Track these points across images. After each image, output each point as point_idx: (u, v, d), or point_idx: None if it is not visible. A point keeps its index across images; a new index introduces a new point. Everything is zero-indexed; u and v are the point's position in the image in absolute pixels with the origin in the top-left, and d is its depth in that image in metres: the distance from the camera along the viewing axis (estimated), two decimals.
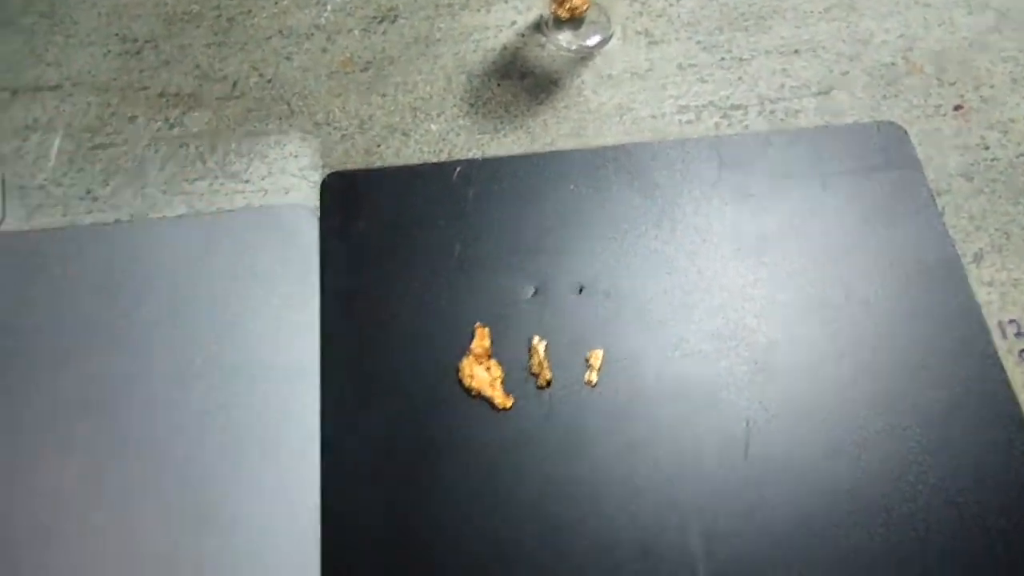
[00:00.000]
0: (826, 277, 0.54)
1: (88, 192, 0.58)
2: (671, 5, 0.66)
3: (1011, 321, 0.52)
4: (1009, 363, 0.51)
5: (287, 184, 0.59)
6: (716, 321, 0.53)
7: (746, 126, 0.60)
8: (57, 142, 0.60)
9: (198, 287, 0.55)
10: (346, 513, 0.48)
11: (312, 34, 0.65)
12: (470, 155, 0.60)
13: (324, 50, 0.64)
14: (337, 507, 0.48)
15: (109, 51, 0.64)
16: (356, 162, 0.60)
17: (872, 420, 0.49)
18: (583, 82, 0.63)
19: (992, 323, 0.52)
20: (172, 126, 0.61)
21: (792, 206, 0.57)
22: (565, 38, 0.64)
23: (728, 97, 0.62)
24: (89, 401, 0.51)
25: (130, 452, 0.50)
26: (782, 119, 0.61)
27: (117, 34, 0.65)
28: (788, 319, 0.53)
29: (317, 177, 0.59)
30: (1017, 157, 0.58)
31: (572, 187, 0.58)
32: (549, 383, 0.51)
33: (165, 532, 0.48)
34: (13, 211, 0.58)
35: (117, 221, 0.57)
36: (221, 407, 0.51)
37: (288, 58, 0.64)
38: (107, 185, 0.58)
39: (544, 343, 0.52)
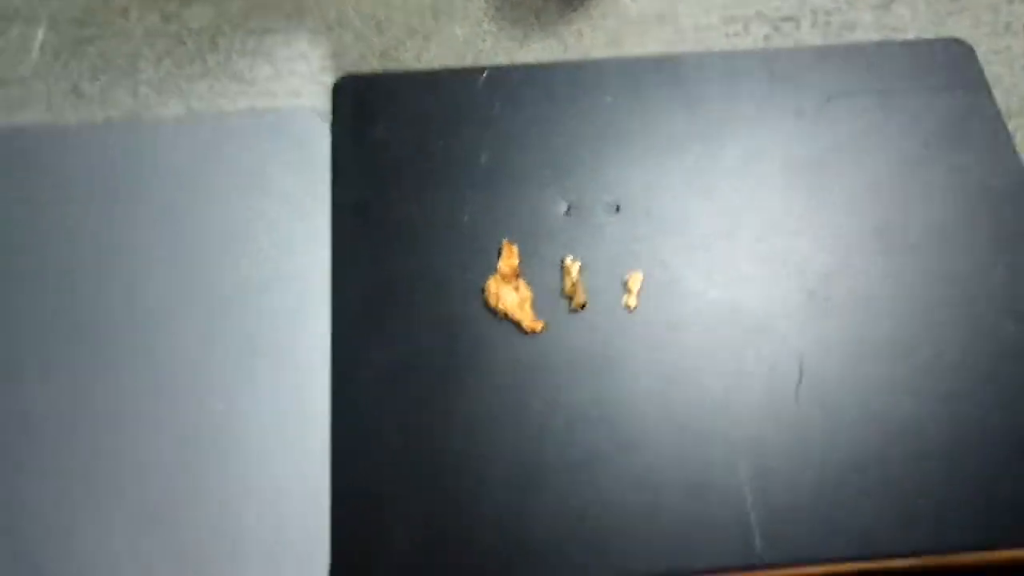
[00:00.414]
0: (886, 202, 0.50)
1: (74, 88, 0.53)
2: None
3: None
4: None
5: (295, 87, 0.53)
6: (766, 246, 0.48)
7: (798, 40, 0.55)
8: (41, 34, 0.54)
9: (198, 194, 0.49)
10: (358, 439, 0.43)
11: None
12: (497, 62, 0.54)
13: None
14: (348, 433, 0.44)
15: None
16: (371, 66, 0.54)
17: (937, 356, 0.45)
18: None
19: None
20: (169, 20, 0.55)
21: (848, 126, 0.52)
22: None
23: (778, 8, 0.56)
24: (75, 319, 0.46)
25: (122, 373, 0.45)
26: (837, 33, 0.56)
27: None
28: (845, 246, 0.48)
29: (329, 80, 0.54)
30: None
31: (609, 99, 0.53)
32: (583, 306, 0.47)
33: (161, 458, 0.43)
34: None
35: (107, 120, 0.52)
36: (222, 326, 0.46)
37: None
38: (96, 81, 0.53)
39: (578, 264, 0.48)
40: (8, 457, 0.43)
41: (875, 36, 0.55)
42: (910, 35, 0.55)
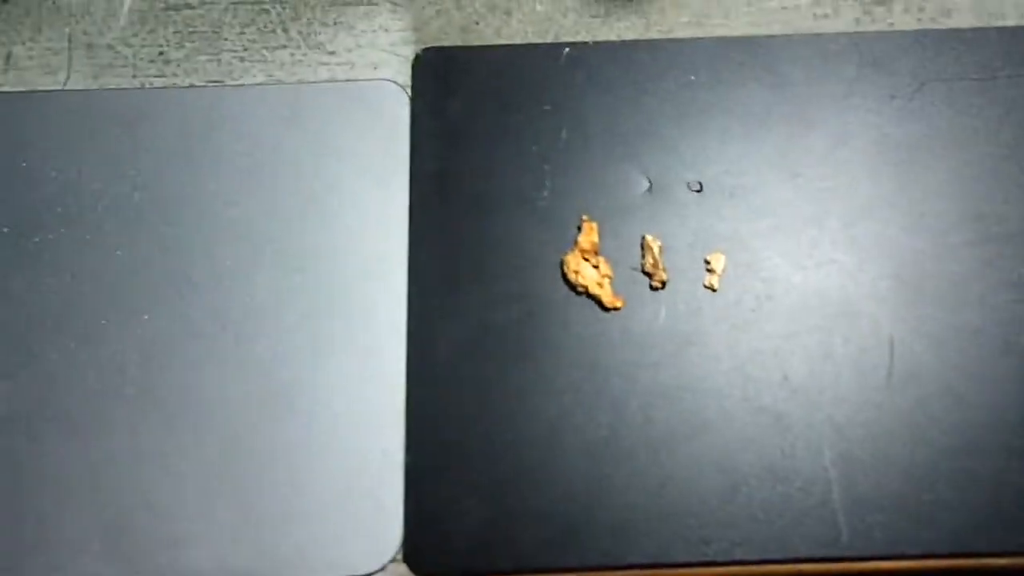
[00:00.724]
0: (982, 190, 0.48)
1: (160, 54, 0.53)
2: None
3: None
4: None
5: (376, 59, 0.53)
6: (855, 230, 0.47)
7: (890, 23, 0.54)
8: (128, 1, 0.55)
9: (277, 161, 0.49)
10: (433, 412, 0.43)
11: None
12: (578, 39, 0.54)
13: None
14: (424, 405, 0.43)
15: None
16: (452, 39, 0.54)
17: None
18: None
19: None
20: None
21: (942, 112, 0.50)
22: None
23: None
24: (153, 277, 0.46)
25: (197, 332, 0.45)
26: (932, 18, 0.54)
27: None
28: (938, 232, 0.46)
29: (409, 53, 0.53)
30: None
31: (692, 77, 0.52)
32: (664, 284, 0.45)
33: (235, 422, 0.43)
34: (79, 69, 0.53)
35: (191, 86, 0.52)
36: (298, 292, 0.46)
37: None
38: (181, 48, 0.53)
39: (659, 242, 0.46)
40: (88, 413, 0.43)
41: (973, 22, 0.53)
42: (1009, 22, 0.53)
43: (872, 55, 0.52)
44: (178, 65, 0.53)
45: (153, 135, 0.50)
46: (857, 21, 0.54)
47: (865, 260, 0.46)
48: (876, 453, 0.41)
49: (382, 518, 0.41)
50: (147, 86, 0.52)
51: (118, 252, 0.47)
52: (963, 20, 0.53)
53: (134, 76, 0.52)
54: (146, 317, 0.45)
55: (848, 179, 0.48)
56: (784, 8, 0.54)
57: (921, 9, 0.54)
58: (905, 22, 0.54)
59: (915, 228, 0.47)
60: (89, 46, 0.53)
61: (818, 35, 0.53)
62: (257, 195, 0.49)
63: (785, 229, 0.47)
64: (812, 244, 0.47)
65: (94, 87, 0.52)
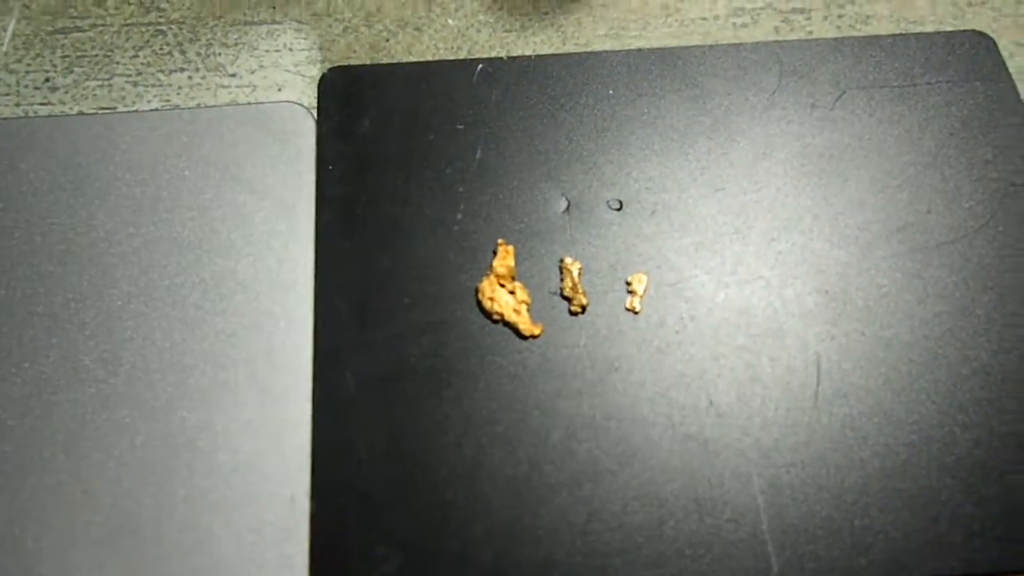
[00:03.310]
0: (906, 199, 0.47)
1: (47, 81, 0.50)
2: None
3: None
4: None
5: (280, 80, 0.51)
6: (779, 245, 0.45)
7: (809, 32, 0.53)
8: (12, 24, 0.52)
9: (173, 190, 0.46)
10: (342, 452, 0.40)
11: None
12: (493, 54, 0.52)
13: None
14: (331, 446, 0.40)
15: None
16: (360, 59, 0.51)
17: (964, 360, 0.42)
18: None
19: None
20: (147, 11, 0.52)
21: (865, 120, 0.49)
22: None
23: None
24: (37, 315, 0.43)
25: (84, 376, 0.42)
26: (851, 25, 0.53)
27: None
28: (863, 245, 0.45)
29: (315, 73, 0.51)
30: None
31: (610, 92, 0.50)
32: (584, 308, 0.43)
33: (127, 468, 0.40)
34: None
35: (80, 113, 0.49)
36: (195, 327, 0.43)
37: None
38: (69, 73, 0.50)
39: (578, 264, 0.44)
40: None
41: (892, 28, 0.53)
42: (928, 28, 0.53)
43: (792, 64, 0.51)
44: (66, 92, 0.50)
45: (39, 167, 0.47)
46: (776, 30, 0.53)
47: (790, 275, 0.44)
48: (806, 478, 0.39)
49: (287, 567, 0.38)
50: (32, 115, 0.49)
51: (1, 291, 0.43)
52: (882, 27, 0.53)
53: (18, 104, 0.49)
54: (27, 365, 0.42)
55: (771, 191, 0.47)
56: (703, 18, 0.53)
57: (840, 17, 0.53)
58: (824, 30, 0.53)
59: (840, 240, 0.45)
60: None
61: (738, 45, 0.52)
62: (152, 228, 0.46)
63: (708, 246, 0.45)
64: (736, 260, 0.45)
65: None
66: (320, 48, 0.52)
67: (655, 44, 0.52)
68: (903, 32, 0.52)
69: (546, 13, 0.53)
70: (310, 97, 0.50)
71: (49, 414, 0.41)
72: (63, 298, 0.43)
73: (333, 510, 0.39)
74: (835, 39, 0.52)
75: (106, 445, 0.40)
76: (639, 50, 0.51)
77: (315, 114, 0.49)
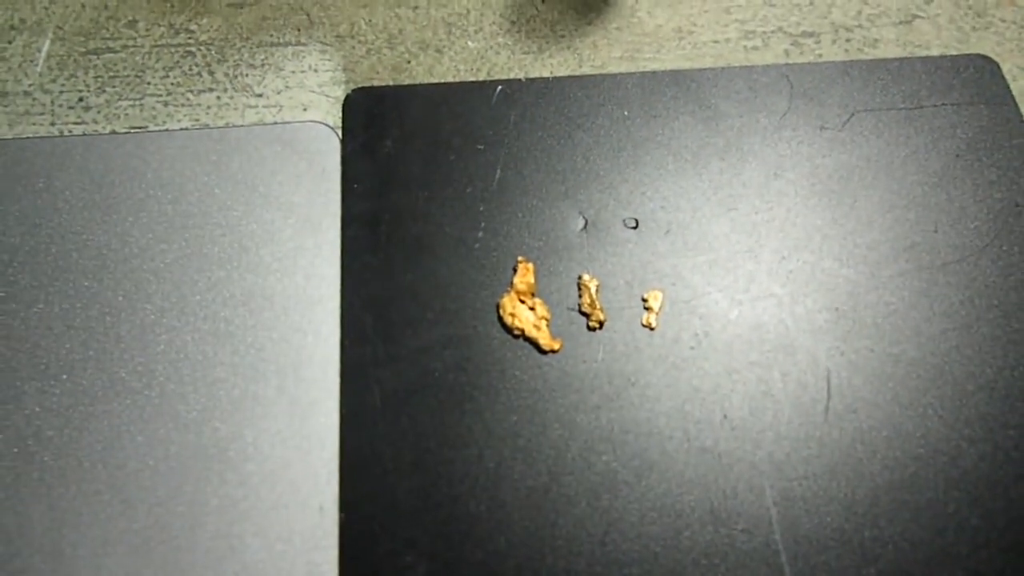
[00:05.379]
0: (913, 219, 0.48)
1: (80, 100, 0.51)
2: None
3: None
4: None
5: (305, 100, 0.52)
6: (790, 263, 0.47)
7: (819, 55, 0.54)
8: (47, 45, 0.53)
9: (203, 207, 0.48)
10: (368, 465, 0.42)
11: None
12: (511, 76, 0.53)
13: None
14: (358, 458, 0.42)
15: None
16: (383, 79, 0.53)
17: (970, 376, 0.43)
18: (637, 2, 0.56)
19: None
20: (177, 32, 0.54)
21: (871, 141, 0.51)
22: None
23: (799, 23, 0.55)
24: (74, 329, 0.45)
25: (120, 388, 0.43)
26: (859, 49, 0.54)
27: None
28: (872, 263, 0.47)
29: (339, 93, 0.52)
30: None
31: (626, 113, 0.52)
32: (602, 324, 0.45)
33: (162, 478, 0.41)
34: None
35: (113, 132, 0.50)
36: (226, 341, 0.45)
37: None
38: (102, 93, 0.52)
39: (596, 281, 0.46)
40: (1, 475, 0.41)
41: (899, 52, 0.54)
42: (934, 52, 0.54)
43: (802, 86, 0.53)
44: (99, 111, 0.51)
45: (73, 185, 0.48)
46: (787, 53, 0.54)
47: (801, 293, 0.46)
48: (817, 490, 0.41)
49: None
50: (66, 134, 0.50)
51: (36, 308, 0.45)
52: (889, 51, 0.54)
53: (52, 124, 0.51)
54: (65, 377, 0.43)
55: (783, 211, 0.49)
56: (715, 41, 0.55)
57: (848, 40, 0.55)
58: (833, 53, 0.54)
59: (849, 259, 0.47)
60: (4, 93, 0.52)
61: (749, 67, 0.53)
62: (183, 245, 0.47)
63: (722, 264, 0.47)
64: (749, 278, 0.46)
65: (10, 136, 0.50)
66: (344, 69, 0.53)
67: (669, 66, 0.54)
68: (909, 56, 0.54)
69: (563, 36, 0.55)
70: (335, 117, 0.51)
71: (87, 425, 0.42)
72: (98, 312, 0.45)
73: (361, 519, 0.40)
74: (844, 62, 0.53)
75: (141, 455, 0.42)
76: (653, 72, 0.53)
77: (340, 133, 0.50)
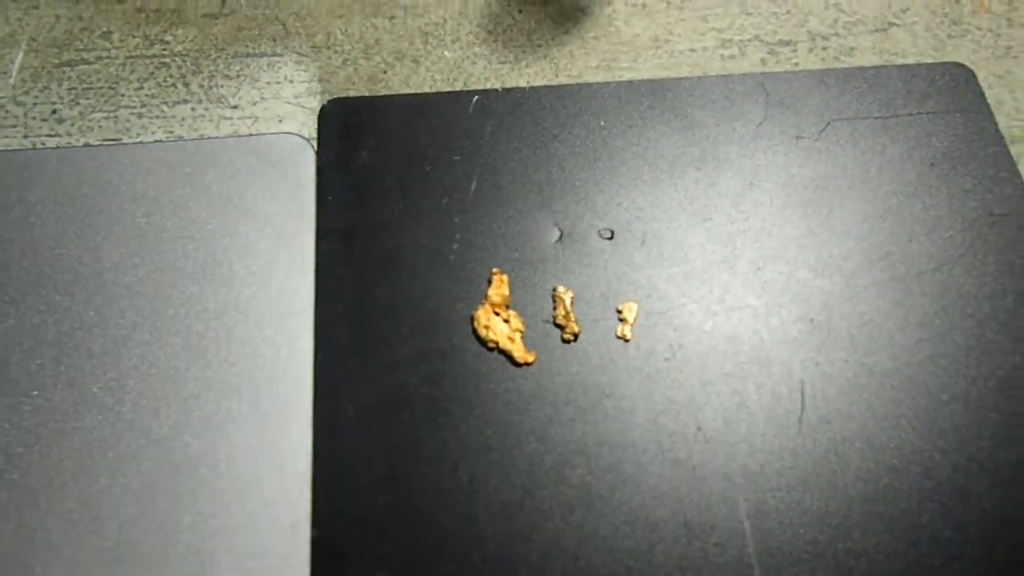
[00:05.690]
0: (888, 228, 0.48)
1: (54, 112, 0.51)
2: None
3: None
4: None
5: (280, 111, 0.52)
6: (765, 274, 0.47)
7: (795, 64, 0.54)
8: (20, 57, 0.53)
9: (177, 220, 0.48)
10: (342, 479, 0.41)
11: None
12: (488, 86, 0.53)
13: None
14: (331, 473, 0.42)
15: None
16: (359, 90, 0.53)
17: (944, 387, 0.43)
18: (614, 11, 0.56)
19: None
20: (151, 43, 0.54)
21: (849, 150, 0.51)
22: None
23: (775, 32, 0.55)
24: (45, 344, 0.44)
25: (91, 404, 0.43)
26: (835, 58, 0.54)
27: None
28: (846, 273, 0.47)
29: (315, 104, 0.52)
30: None
31: (602, 123, 0.52)
32: (576, 336, 0.45)
33: (132, 495, 0.41)
34: None
35: (87, 145, 0.50)
36: (199, 355, 0.44)
37: None
38: (76, 105, 0.51)
39: (570, 293, 0.46)
40: None
41: (875, 60, 0.54)
42: (910, 60, 0.54)
43: (778, 95, 0.53)
44: (72, 124, 0.51)
45: (46, 198, 0.48)
46: (763, 61, 0.54)
47: (776, 304, 0.46)
48: (791, 502, 0.41)
49: None
50: (39, 146, 0.50)
51: (6, 323, 0.45)
52: (865, 59, 0.54)
53: (25, 136, 0.50)
54: (36, 392, 0.43)
55: (758, 221, 0.49)
56: (692, 50, 0.55)
57: (824, 49, 0.55)
58: (810, 61, 0.54)
59: (824, 269, 0.47)
60: None
61: (725, 76, 0.53)
62: (157, 258, 0.47)
63: (697, 275, 0.47)
64: (724, 289, 0.46)
65: None
66: (320, 80, 0.53)
67: (645, 75, 0.54)
68: (886, 64, 0.54)
69: (539, 45, 0.55)
70: (310, 128, 0.51)
71: (57, 441, 0.42)
72: (70, 327, 0.45)
73: (333, 536, 0.40)
74: (820, 71, 0.53)
75: (112, 472, 0.41)
76: (630, 81, 0.53)
77: (315, 145, 0.50)
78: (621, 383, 0.44)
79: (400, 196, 0.49)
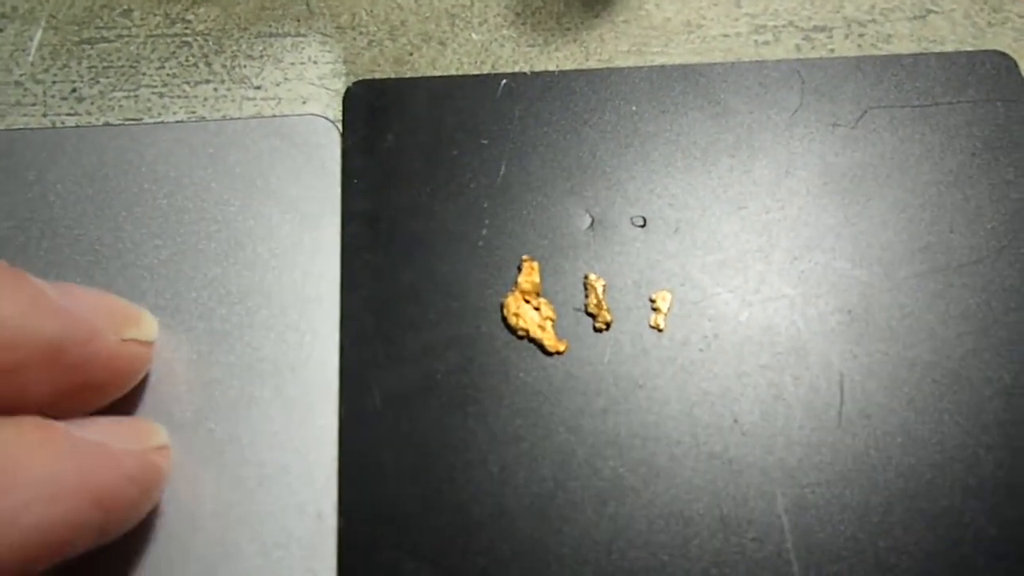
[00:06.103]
0: (927, 219, 0.47)
1: (73, 91, 0.50)
2: None
3: None
4: None
5: (305, 92, 0.51)
6: (802, 263, 0.46)
7: (831, 50, 0.53)
8: (39, 34, 0.52)
9: (199, 202, 0.47)
10: (368, 468, 0.40)
11: None
12: (516, 69, 0.52)
13: None
14: (358, 462, 0.41)
15: None
16: (384, 72, 0.52)
17: (987, 381, 0.42)
18: None
19: None
20: (173, 22, 0.53)
21: (885, 139, 0.49)
22: None
23: (811, 17, 0.54)
24: None
25: None
26: (872, 44, 0.53)
27: None
28: (886, 264, 0.45)
29: (340, 86, 0.51)
30: None
31: (633, 108, 0.50)
32: (608, 325, 0.44)
33: None
34: None
35: (107, 124, 0.49)
36: (222, 340, 0.43)
37: None
38: (96, 84, 0.50)
39: (602, 281, 0.45)
40: None
41: (912, 48, 0.53)
42: (948, 48, 0.53)
43: (814, 82, 0.51)
44: (92, 102, 0.50)
45: (65, 178, 0.47)
46: (798, 47, 0.53)
47: (813, 294, 0.45)
48: (830, 498, 0.40)
49: None
50: (59, 125, 0.49)
51: None
52: (903, 46, 0.53)
53: (44, 115, 0.49)
54: None
55: (794, 210, 0.47)
56: (725, 35, 0.54)
57: (861, 36, 0.53)
58: (846, 48, 0.53)
59: (862, 260, 0.46)
60: None
61: (760, 62, 0.52)
62: (178, 240, 0.46)
63: (732, 264, 0.46)
64: (759, 279, 0.45)
65: (0, 127, 0.49)
66: (344, 61, 0.52)
67: (677, 60, 0.52)
68: (924, 51, 0.53)
69: (569, 29, 0.53)
70: (335, 110, 0.50)
71: None
72: None
73: (360, 525, 0.39)
74: (857, 58, 0.52)
75: None
76: (661, 66, 0.52)
77: (340, 127, 0.49)
78: (654, 373, 0.43)
79: (427, 180, 0.48)
